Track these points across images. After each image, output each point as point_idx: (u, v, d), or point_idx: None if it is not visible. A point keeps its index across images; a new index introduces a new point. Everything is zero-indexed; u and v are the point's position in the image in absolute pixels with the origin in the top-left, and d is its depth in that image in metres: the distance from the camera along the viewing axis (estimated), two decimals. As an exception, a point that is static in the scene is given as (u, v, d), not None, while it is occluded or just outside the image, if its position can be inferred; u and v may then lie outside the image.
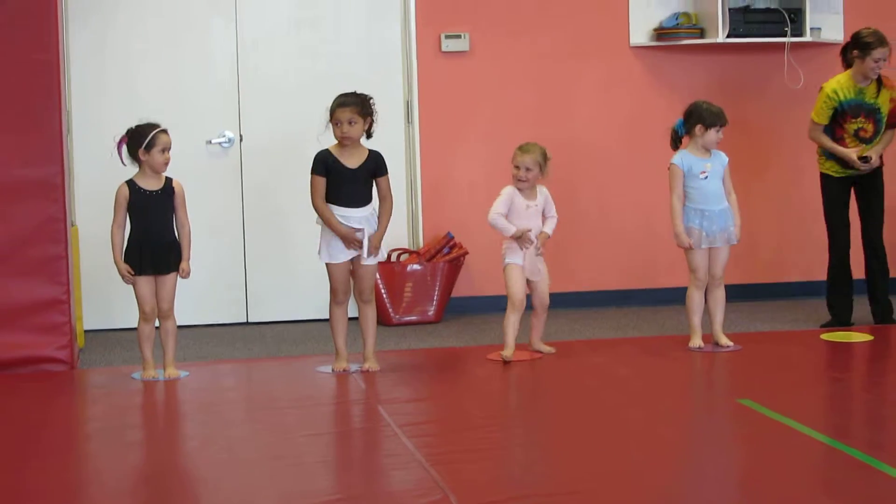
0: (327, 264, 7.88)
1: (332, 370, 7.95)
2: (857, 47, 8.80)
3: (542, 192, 8.27)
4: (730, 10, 9.94)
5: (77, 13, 9.53)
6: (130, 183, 7.83)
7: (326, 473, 6.03)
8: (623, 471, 5.75)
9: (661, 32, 10.20)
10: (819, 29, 10.19)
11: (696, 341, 8.30)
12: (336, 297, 7.96)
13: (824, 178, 9.11)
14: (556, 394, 7.56)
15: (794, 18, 10.01)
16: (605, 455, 6.06)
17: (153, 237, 7.84)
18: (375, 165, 7.86)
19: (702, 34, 10.10)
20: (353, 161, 7.80)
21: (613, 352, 8.48)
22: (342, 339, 8.00)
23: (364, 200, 7.84)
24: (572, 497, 5.35)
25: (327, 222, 7.82)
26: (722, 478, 5.80)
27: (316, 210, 7.84)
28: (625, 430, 6.55)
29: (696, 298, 8.32)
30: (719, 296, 8.34)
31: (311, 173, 7.83)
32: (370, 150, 7.87)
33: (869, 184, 8.99)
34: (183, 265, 7.93)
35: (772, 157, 9.99)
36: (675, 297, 9.72)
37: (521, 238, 8.08)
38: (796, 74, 10.21)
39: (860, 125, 8.84)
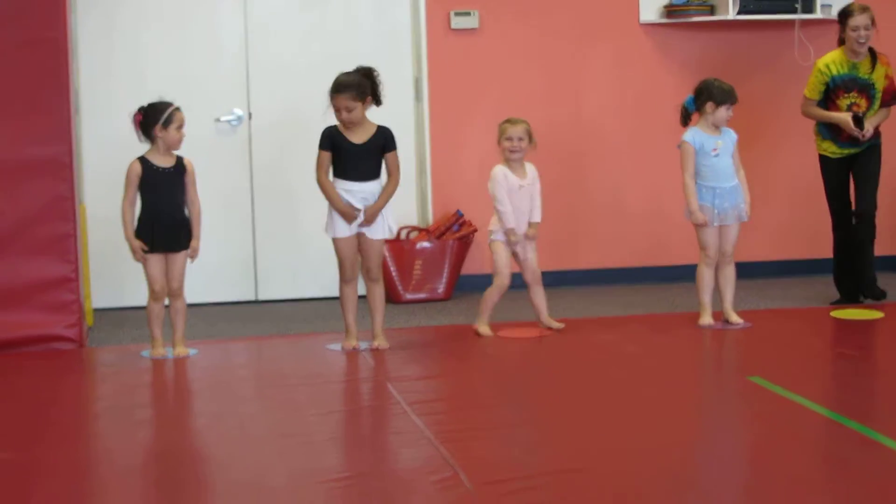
0: (333, 239, 7.91)
1: (342, 348, 7.98)
2: (840, 18, 8.84)
3: (531, 169, 8.31)
4: (740, -14, 9.96)
5: (85, -9, 9.57)
6: (143, 160, 7.84)
7: (336, 451, 6.06)
8: (631, 448, 5.76)
9: (671, 9, 10.19)
10: (829, 6, 10.18)
11: (706, 319, 8.31)
12: (344, 275, 7.98)
13: (822, 159, 9.13)
14: (565, 371, 7.56)
15: (805, -5, 10.04)
16: (614, 432, 6.07)
17: (164, 215, 7.86)
18: (384, 140, 7.87)
19: (712, 11, 10.10)
20: (358, 137, 7.81)
21: (622, 329, 8.50)
22: (352, 316, 8.02)
23: (370, 175, 7.86)
24: (581, 475, 5.36)
25: (328, 197, 7.86)
26: (730, 455, 5.81)
27: (318, 184, 7.88)
28: (633, 408, 6.56)
29: (706, 276, 8.33)
30: (730, 273, 8.35)
31: (318, 148, 7.87)
32: (379, 126, 7.88)
33: (865, 159, 8.99)
34: (193, 244, 7.95)
35: (781, 132, 9.98)
36: (685, 274, 9.74)
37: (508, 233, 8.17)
38: (806, 51, 10.20)
39: (853, 100, 8.84)
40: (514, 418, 6.39)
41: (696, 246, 8.46)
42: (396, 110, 9.77)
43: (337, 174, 7.85)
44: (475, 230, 9.88)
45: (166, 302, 7.98)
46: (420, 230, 9.91)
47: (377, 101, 7.88)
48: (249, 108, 9.92)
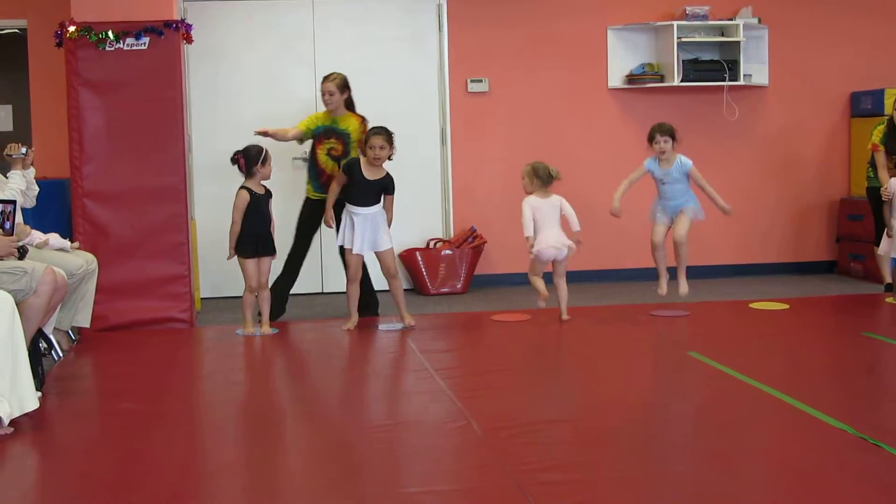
0: (340, 247, 7.93)
1: (344, 329, 7.96)
2: None
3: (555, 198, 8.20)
4: (683, 61, 9.90)
5: (196, 60, 9.55)
6: (248, 189, 7.84)
7: (380, 404, 6.05)
8: (603, 404, 5.75)
9: (631, 78, 10.15)
10: (750, 75, 10.14)
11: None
12: (349, 276, 7.99)
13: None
14: (552, 346, 7.55)
15: (731, 67, 9.96)
16: (590, 392, 6.07)
17: (260, 229, 7.85)
18: (386, 183, 7.88)
19: (662, 79, 10.05)
20: (371, 175, 7.82)
21: (593, 316, 8.44)
22: (354, 305, 8.02)
23: (370, 203, 7.85)
24: (566, 423, 5.36)
25: (327, 200, 7.98)
26: (676, 409, 5.82)
27: (328, 188, 7.99)
28: (603, 374, 6.55)
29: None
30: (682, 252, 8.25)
31: (341, 168, 7.94)
32: (388, 173, 7.90)
33: None
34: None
35: (713, 171, 9.93)
36: (640, 275, 9.74)
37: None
38: (733, 109, 10.18)
39: None
40: (514, 381, 6.37)
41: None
42: (427, 152, 9.76)
43: (349, 199, 7.86)
44: (485, 242, 9.84)
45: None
46: (444, 241, 9.87)
47: (389, 157, 7.92)
48: (318, 150, 9.89)
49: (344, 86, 8.31)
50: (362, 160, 7.84)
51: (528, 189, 8.09)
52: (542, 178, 8.08)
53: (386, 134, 7.79)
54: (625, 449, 4.97)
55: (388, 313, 8.26)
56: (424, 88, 10.00)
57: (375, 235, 7.88)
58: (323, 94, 8.30)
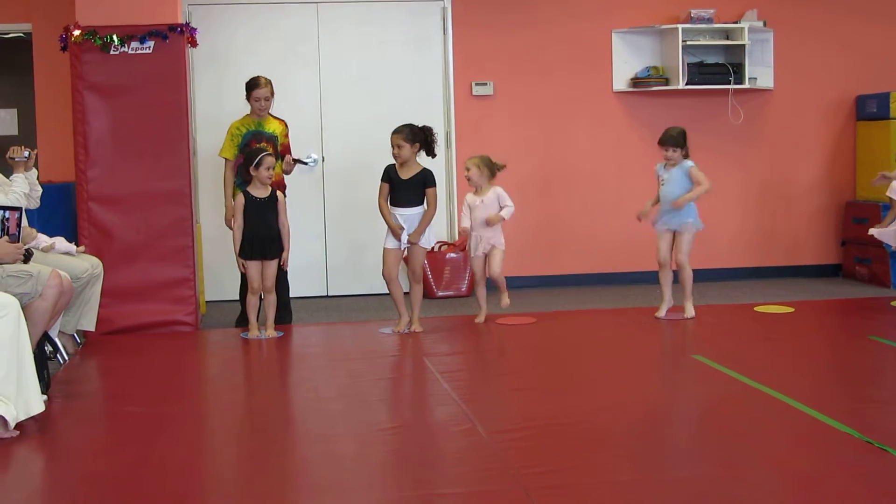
0: (384, 248, 7.91)
1: (392, 331, 7.98)
2: None
3: (494, 190, 8.31)
4: (688, 64, 9.90)
5: (200, 63, 9.57)
6: (245, 192, 7.86)
7: (385, 408, 6.04)
8: (605, 407, 5.75)
9: (636, 81, 10.15)
10: (755, 78, 10.14)
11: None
12: (383, 272, 8.00)
13: None
14: (554, 349, 7.54)
15: (737, 70, 9.96)
16: (592, 395, 6.06)
17: (260, 232, 7.85)
18: (423, 178, 7.88)
19: (667, 82, 10.05)
20: (405, 174, 7.85)
21: (596, 319, 8.46)
22: (402, 305, 8.04)
23: (412, 203, 7.89)
24: (568, 426, 5.36)
25: (383, 217, 7.93)
26: (678, 412, 5.81)
27: (378, 206, 7.96)
28: (605, 377, 6.55)
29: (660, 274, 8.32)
30: (683, 274, 8.28)
31: (380, 180, 7.93)
32: (423, 168, 7.90)
33: None
34: (284, 255, 7.96)
35: (718, 174, 9.91)
36: (642, 278, 9.75)
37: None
38: (738, 112, 10.18)
39: None
40: (517, 384, 6.37)
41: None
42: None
43: (391, 201, 7.88)
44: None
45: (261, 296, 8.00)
46: (449, 244, 9.88)
47: (430, 153, 7.92)
48: (323, 153, 9.91)
49: (272, 90, 8.34)
50: (395, 164, 7.93)
51: (478, 181, 8.22)
52: (491, 170, 8.25)
53: (405, 132, 7.82)
54: (630, 453, 4.97)
55: (392, 317, 8.25)
56: (429, 92, 10.01)
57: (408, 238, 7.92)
58: (259, 100, 8.27)
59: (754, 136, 10.37)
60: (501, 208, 8.23)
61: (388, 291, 8.10)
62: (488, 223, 8.18)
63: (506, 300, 8.27)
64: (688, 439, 5.29)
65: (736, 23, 10.02)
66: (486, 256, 8.28)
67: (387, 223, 7.92)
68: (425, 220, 7.94)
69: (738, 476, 4.61)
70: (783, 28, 10.25)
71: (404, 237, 7.87)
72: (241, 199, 7.85)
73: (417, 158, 7.93)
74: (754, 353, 7.19)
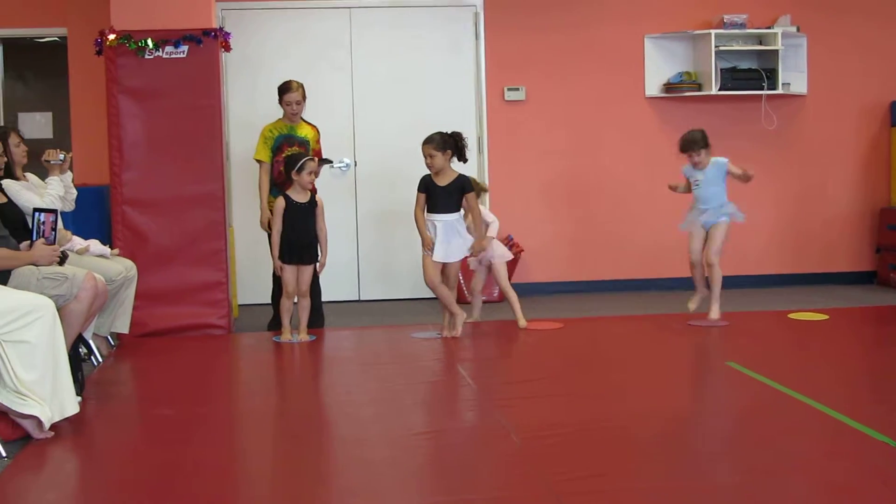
0: (423, 255, 7.91)
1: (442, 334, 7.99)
2: None
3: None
4: (721, 69, 9.87)
5: (233, 67, 9.61)
6: (286, 196, 7.88)
7: (417, 413, 6.03)
8: (638, 412, 5.72)
9: (668, 87, 10.12)
10: (788, 84, 10.10)
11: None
12: (426, 280, 7.95)
13: None
14: (586, 354, 7.53)
15: (770, 76, 9.92)
16: (625, 400, 6.04)
17: (299, 237, 7.87)
18: (461, 185, 7.87)
19: (700, 88, 10.02)
20: (442, 181, 7.83)
21: (628, 324, 8.43)
22: (455, 306, 7.99)
23: (449, 209, 7.85)
24: (604, 433, 5.33)
25: (418, 227, 7.89)
26: (711, 419, 5.77)
27: (414, 217, 7.92)
28: (638, 382, 6.52)
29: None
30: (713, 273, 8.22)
31: (417, 191, 7.91)
32: (459, 174, 7.89)
33: None
34: (322, 260, 7.97)
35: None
36: (676, 284, 9.71)
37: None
38: (771, 118, 10.14)
39: None
40: (550, 389, 6.35)
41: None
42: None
43: (429, 209, 7.88)
44: (522, 250, 9.83)
45: (295, 300, 8.01)
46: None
47: (461, 158, 7.89)
48: (355, 158, 9.92)
49: (304, 94, 8.35)
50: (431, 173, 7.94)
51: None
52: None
53: (435, 142, 7.80)
54: (663, 459, 4.95)
55: (424, 322, 8.24)
56: (461, 97, 10.01)
57: (449, 246, 7.88)
58: (291, 104, 8.29)
59: (787, 142, 10.32)
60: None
61: (423, 296, 8.09)
62: (474, 254, 8.12)
63: (522, 321, 8.27)
64: (721, 446, 5.25)
65: (769, 28, 9.98)
66: (491, 268, 8.32)
67: (420, 234, 7.90)
68: (478, 227, 7.95)
69: (771, 484, 4.57)
70: (817, 33, 10.20)
71: (437, 251, 7.85)
72: (281, 202, 7.87)
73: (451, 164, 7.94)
74: (788, 360, 7.15)
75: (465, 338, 7.93)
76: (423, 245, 7.88)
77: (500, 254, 8.35)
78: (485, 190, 8.43)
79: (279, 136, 8.30)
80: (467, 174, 8.01)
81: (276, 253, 7.90)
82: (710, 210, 8.15)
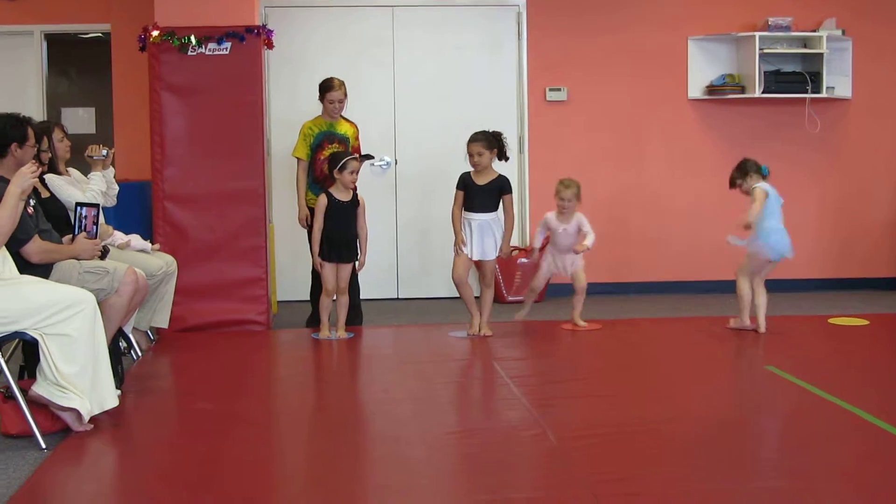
0: (455, 253, 7.92)
1: (467, 334, 7.97)
2: None
3: (578, 217, 8.22)
4: (765, 72, 9.80)
5: (276, 65, 9.63)
6: (328, 194, 7.90)
7: (454, 411, 6.04)
8: (676, 415, 5.71)
9: (711, 89, 10.07)
10: (833, 87, 10.02)
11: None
12: (453, 275, 7.97)
13: None
14: (623, 355, 7.50)
15: (814, 79, 9.85)
16: (662, 402, 6.01)
17: (340, 235, 7.88)
18: (500, 185, 7.88)
19: (743, 90, 9.96)
20: (482, 180, 7.84)
21: (669, 327, 8.40)
22: (473, 306, 8.01)
23: (487, 209, 7.87)
24: (642, 435, 5.32)
25: (453, 225, 7.93)
26: (749, 422, 5.74)
27: (451, 213, 7.95)
28: (676, 385, 6.50)
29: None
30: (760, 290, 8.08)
31: (455, 188, 7.94)
32: (499, 174, 7.89)
33: None
34: (362, 258, 7.99)
35: (793, 183, 9.80)
36: (715, 287, 9.66)
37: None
38: (815, 122, 10.07)
39: None
40: (588, 390, 6.34)
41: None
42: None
43: (467, 207, 7.89)
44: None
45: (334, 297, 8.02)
46: (520, 249, 9.85)
47: (503, 157, 7.89)
48: (396, 156, 9.93)
49: (346, 92, 8.36)
50: (471, 170, 7.93)
51: (571, 209, 8.17)
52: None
53: (483, 140, 7.82)
54: (700, 462, 4.93)
55: (462, 321, 8.24)
56: (503, 96, 10.00)
57: (484, 243, 7.90)
58: (333, 102, 8.28)
59: (831, 146, 10.24)
60: (582, 234, 8.19)
61: (458, 295, 8.10)
62: (576, 252, 8.16)
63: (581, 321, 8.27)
64: (760, 450, 5.22)
65: (814, 31, 9.91)
66: (572, 274, 8.30)
67: (455, 232, 7.92)
68: (508, 231, 7.97)
69: (809, 488, 4.55)
70: (862, 37, 10.11)
71: (470, 249, 7.85)
72: (323, 200, 7.88)
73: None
74: (828, 365, 7.10)
75: (504, 337, 7.92)
76: (455, 243, 7.90)
77: (581, 265, 8.28)
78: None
79: (319, 133, 8.31)
80: (506, 175, 8.01)
81: (316, 250, 7.91)
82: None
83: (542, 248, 8.46)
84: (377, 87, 9.87)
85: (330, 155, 8.02)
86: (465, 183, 7.90)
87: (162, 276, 7.27)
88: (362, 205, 8.01)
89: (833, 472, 4.76)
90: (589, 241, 8.16)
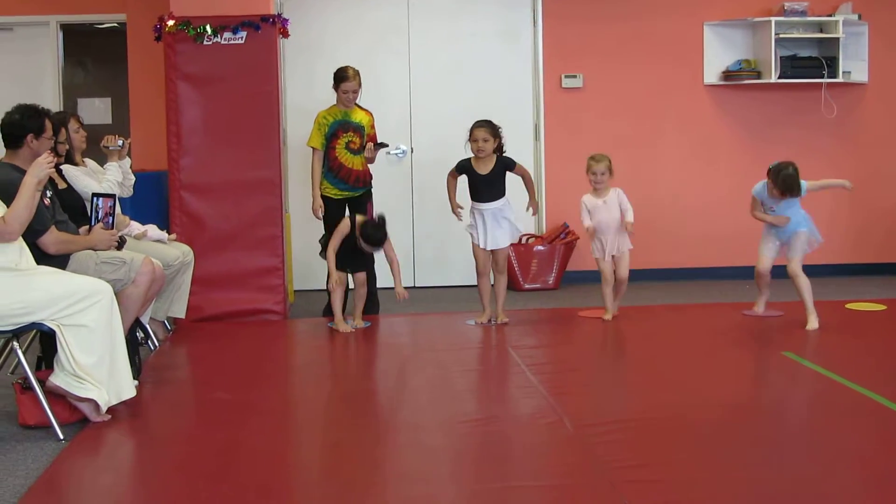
0: (473, 245, 7.90)
1: (475, 322, 7.96)
2: None
3: (614, 192, 8.06)
4: (781, 57, 9.75)
5: (291, 54, 9.61)
6: (353, 221, 7.84)
7: (472, 399, 6.04)
8: (692, 402, 5.69)
9: (727, 74, 10.03)
10: (849, 72, 9.97)
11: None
12: (477, 268, 7.97)
13: None
14: (640, 343, 7.49)
15: (830, 64, 9.80)
16: (678, 390, 6.00)
17: (356, 260, 7.89)
18: (503, 166, 7.88)
19: (759, 76, 9.91)
20: (483, 168, 7.84)
21: (685, 314, 8.39)
22: (486, 299, 7.99)
23: (494, 197, 7.87)
24: (659, 422, 5.31)
25: (448, 192, 8.00)
26: (767, 409, 5.72)
27: (447, 183, 8.03)
28: (692, 372, 6.48)
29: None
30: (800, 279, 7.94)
31: (453, 168, 7.98)
32: (498, 157, 7.89)
33: None
34: (398, 289, 7.80)
35: (810, 168, 9.74)
36: (733, 273, 9.63)
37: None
38: (831, 107, 10.02)
39: None
40: (606, 378, 6.35)
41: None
42: (521, 147, 9.67)
43: (472, 197, 7.89)
44: (577, 238, 9.78)
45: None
46: (536, 237, 9.84)
47: (500, 150, 7.90)
48: (412, 144, 9.92)
49: (360, 82, 8.33)
50: (472, 157, 7.89)
51: (604, 184, 8.01)
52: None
53: (489, 126, 7.80)
54: (718, 448, 4.91)
55: (479, 309, 8.23)
56: (518, 84, 9.97)
57: (496, 232, 7.88)
58: (347, 92, 8.24)
59: (847, 131, 10.19)
60: (622, 210, 8.01)
61: (475, 283, 8.10)
62: (627, 230, 7.98)
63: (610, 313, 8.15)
64: (777, 436, 5.20)
65: (830, 16, 9.86)
66: (615, 259, 8.11)
67: (450, 199, 7.95)
68: (531, 187, 7.98)
69: (827, 473, 4.53)
70: (878, 22, 10.06)
71: (484, 239, 7.85)
72: (346, 224, 7.82)
73: None
74: (845, 350, 7.08)
75: (520, 325, 7.91)
76: (452, 210, 7.98)
77: (628, 245, 8.13)
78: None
79: (334, 122, 8.30)
80: (521, 162, 7.98)
81: (333, 267, 7.82)
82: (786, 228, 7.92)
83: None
84: (393, 75, 9.86)
85: (361, 224, 7.82)
86: (463, 169, 7.89)
87: (179, 265, 7.28)
88: (389, 241, 7.85)
89: (851, 457, 4.74)
90: (629, 216, 7.97)
